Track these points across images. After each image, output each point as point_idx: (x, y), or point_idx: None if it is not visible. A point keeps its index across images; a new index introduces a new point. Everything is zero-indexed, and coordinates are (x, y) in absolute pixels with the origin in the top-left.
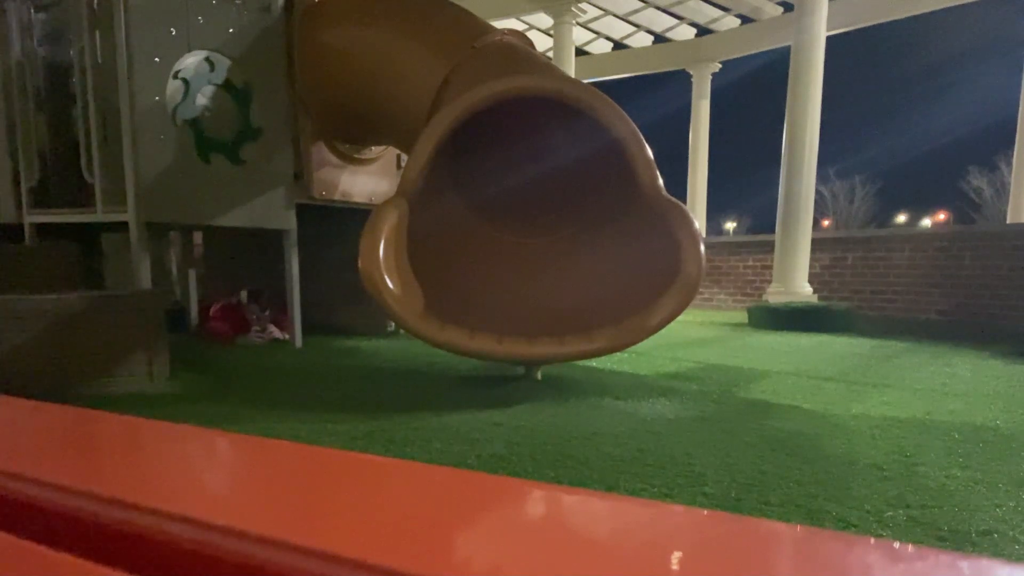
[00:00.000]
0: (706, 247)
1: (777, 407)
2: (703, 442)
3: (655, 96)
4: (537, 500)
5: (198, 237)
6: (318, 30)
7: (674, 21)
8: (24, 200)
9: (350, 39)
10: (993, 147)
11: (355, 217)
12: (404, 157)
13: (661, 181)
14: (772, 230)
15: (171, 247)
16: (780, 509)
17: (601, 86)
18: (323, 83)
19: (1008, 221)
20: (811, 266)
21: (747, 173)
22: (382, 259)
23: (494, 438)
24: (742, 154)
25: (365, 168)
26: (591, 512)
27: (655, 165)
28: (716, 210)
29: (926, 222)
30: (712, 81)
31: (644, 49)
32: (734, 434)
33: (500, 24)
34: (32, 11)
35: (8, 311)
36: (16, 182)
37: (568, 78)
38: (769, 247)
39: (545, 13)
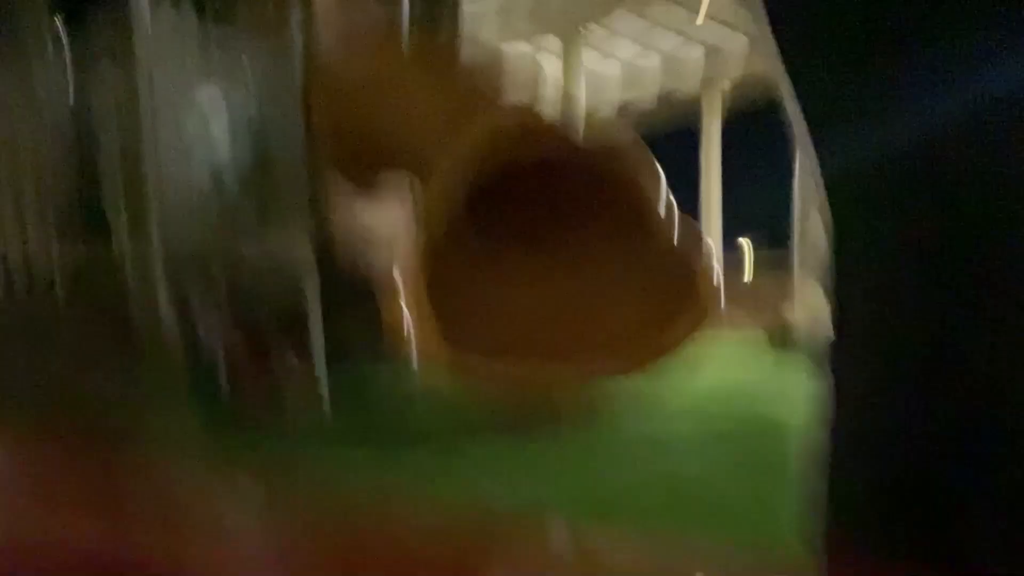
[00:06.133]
0: (720, 264)
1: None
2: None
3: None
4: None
5: None
6: (332, 57)
7: (683, 40)
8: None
9: (363, 65)
10: None
11: None
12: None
13: (671, 196)
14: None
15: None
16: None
17: None
18: (338, 110)
19: None
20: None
21: (760, 188)
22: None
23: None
24: (754, 169)
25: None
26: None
27: (662, 178)
28: (729, 225)
29: None
30: (722, 100)
31: (653, 69)
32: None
33: (509, 47)
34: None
35: (8, 312)
36: (39, 218)
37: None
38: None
39: (554, 36)
